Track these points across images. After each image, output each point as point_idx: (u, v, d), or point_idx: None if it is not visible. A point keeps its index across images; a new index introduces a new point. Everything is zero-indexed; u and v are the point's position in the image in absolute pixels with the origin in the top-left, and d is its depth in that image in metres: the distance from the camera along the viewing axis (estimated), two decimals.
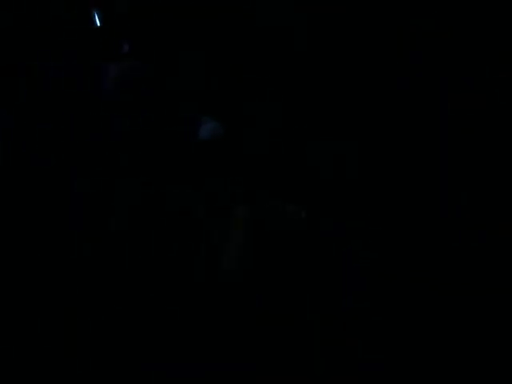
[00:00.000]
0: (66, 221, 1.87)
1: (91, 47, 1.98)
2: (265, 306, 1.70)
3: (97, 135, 1.94)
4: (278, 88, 1.97)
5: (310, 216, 1.84)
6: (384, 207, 1.87)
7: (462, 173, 1.85)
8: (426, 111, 1.90)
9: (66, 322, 1.77)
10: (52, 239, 1.86)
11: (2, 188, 1.86)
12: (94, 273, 1.83)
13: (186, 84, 1.99)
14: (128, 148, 1.95)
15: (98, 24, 1.97)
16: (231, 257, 1.74)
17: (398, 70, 1.92)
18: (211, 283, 1.77)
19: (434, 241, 1.82)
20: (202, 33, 1.99)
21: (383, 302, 1.76)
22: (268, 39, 1.98)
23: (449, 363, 1.67)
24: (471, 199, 1.82)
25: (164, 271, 1.81)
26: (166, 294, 1.79)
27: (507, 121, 1.82)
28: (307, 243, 1.80)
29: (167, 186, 1.89)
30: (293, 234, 1.81)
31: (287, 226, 1.80)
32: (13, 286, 1.80)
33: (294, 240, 1.80)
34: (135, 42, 2.02)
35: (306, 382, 1.62)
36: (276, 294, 1.72)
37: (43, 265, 1.83)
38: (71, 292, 1.81)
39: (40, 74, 1.93)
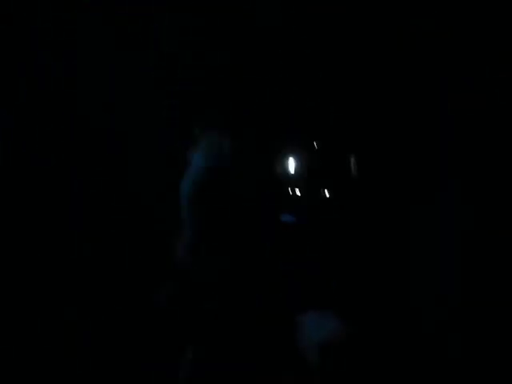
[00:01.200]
0: (65, 221, 1.87)
1: None
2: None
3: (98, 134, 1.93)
4: None
5: None
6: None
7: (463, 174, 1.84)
8: (426, 112, 1.90)
9: (66, 323, 1.77)
10: (52, 239, 1.86)
11: (1, 188, 1.86)
12: (94, 272, 1.83)
13: None
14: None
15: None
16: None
17: (398, 70, 1.92)
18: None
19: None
20: None
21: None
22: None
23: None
24: (472, 200, 1.81)
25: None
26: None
27: (507, 121, 1.81)
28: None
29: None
30: None
31: None
32: (12, 286, 1.80)
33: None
34: None
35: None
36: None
37: (43, 265, 1.83)
38: (71, 292, 1.81)
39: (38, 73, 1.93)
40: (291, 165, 1.90)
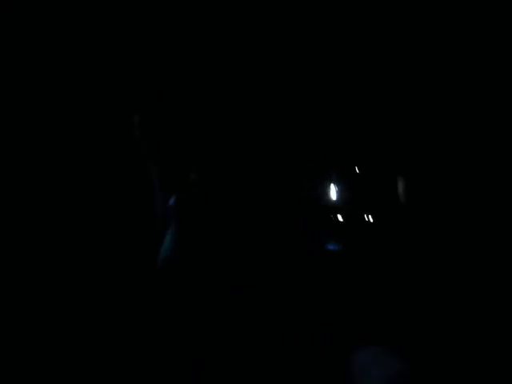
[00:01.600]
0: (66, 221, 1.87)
1: None
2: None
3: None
4: None
5: None
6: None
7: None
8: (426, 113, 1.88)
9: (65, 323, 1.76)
10: (51, 239, 1.85)
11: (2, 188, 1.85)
12: (94, 272, 1.82)
13: None
14: None
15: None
16: None
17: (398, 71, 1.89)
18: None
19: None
20: None
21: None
22: None
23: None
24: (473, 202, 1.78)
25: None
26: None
27: (507, 121, 1.79)
28: None
29: None
30: None
31: None
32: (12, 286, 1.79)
33: None
34: None
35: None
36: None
37: (44, 265, 1.82)
38: (70, 292, 1.80)
39: None
40: (334, 192, 1.85)
